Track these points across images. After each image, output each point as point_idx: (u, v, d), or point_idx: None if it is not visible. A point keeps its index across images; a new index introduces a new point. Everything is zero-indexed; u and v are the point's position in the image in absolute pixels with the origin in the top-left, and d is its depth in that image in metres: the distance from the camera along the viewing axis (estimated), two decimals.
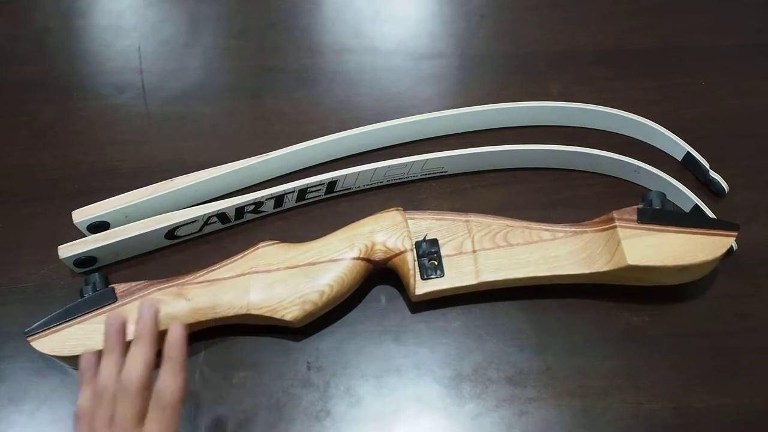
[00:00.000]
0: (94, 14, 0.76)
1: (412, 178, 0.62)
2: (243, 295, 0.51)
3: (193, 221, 0.57)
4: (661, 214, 0.52)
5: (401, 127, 0.62)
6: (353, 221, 0.54)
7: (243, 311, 0.50)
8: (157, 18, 0.75)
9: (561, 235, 0.53)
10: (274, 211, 0.60)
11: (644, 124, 0.62)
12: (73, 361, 0.50)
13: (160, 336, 0.50)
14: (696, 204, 0.57)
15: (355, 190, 0.61)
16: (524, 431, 0.50)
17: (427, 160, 0.59)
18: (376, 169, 0.59)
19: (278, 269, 0.51)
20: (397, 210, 0.54)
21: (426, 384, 0.52)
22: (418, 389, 0.52)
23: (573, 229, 0.54)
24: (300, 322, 0.51)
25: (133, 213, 0.57)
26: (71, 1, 0.77)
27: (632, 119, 0.62)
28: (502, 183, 0.62)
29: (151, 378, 0.41)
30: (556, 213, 0.59)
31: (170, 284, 0.51)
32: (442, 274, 0.52)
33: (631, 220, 0.51)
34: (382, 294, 0.56)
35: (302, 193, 0.59)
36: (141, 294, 0.51)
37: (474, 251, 0.53)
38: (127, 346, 0.43)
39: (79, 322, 0.50)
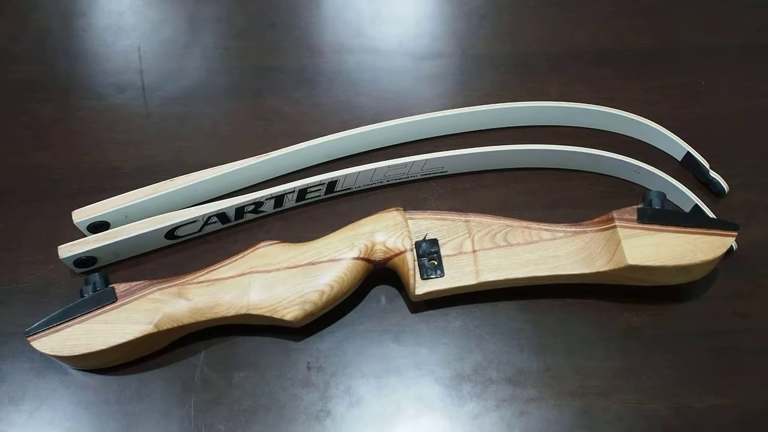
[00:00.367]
0: (94, 14, 0.76)
1: (412, 178, 0.62)
2: (243, 295, 0.51)
3: (193, 221, 0.57)
4: (661, 214, 0.52)
5: (401, 127, 0.62)
6: (353, 221, 0.54)
7: (243, 311, 0.50)
8: (157, 18, 0.75)
9: (561, 235, 0.53)
10: (274, 211, 0.60)
11: (644, 124, 0.62)
12: (73, 361, 0.50)
13: (160, 336, 0.50)
14: (696, 204, 0.57)
15: (355, 190, 0.61)
16: (524, 431, 0.50)
17: (427, 160, 0.59)
18: (376, 169, 0.59)
19: (278, 269, 0.51)
20: (397, 210, 0.54)
21: (426, 384, 0.52)
22: (418, 389, 0.52)
23: (573, 229, 0.54)
24: (300, 322, 0.51)
25: (133, 213, 0.57)
26: (71, 1, 0.77)
27: (632, 119, 0.62)
28: (502, 183, 0.62)
29: None
30: (556, 213, 0.59)
31: (170, 284, 0.51)
32: (442, 274, 0.52)
33: (631, 220, 0.51)
34: (382, 294, 0.56)
35: (302, 193, 0.59)
36: (141, 294, 0.51)
37: (474, 251, 0.53)
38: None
39: (79, 322, 0.50)
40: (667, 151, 0.63)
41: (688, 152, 0.61)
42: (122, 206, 0.56)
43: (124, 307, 0.50)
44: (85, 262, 0.55)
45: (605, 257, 0.51)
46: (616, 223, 0.51)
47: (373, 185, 0.61)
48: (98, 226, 0.57)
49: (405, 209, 0.54)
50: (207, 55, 0.72)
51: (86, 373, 0.53)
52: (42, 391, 0.52)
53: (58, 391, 0.52)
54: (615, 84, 0.68)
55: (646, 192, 0.54)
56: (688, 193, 0.57)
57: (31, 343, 0.49)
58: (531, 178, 0.62)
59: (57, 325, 0.50)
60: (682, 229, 0.51)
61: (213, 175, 0.58)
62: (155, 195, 0.57)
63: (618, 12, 0.74)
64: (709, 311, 0.55)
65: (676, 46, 0.71)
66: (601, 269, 0.51)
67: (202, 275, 0.52)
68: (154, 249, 0.58)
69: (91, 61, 0.72)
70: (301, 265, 0.51)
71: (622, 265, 0.50)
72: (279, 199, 0.58)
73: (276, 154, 0.60)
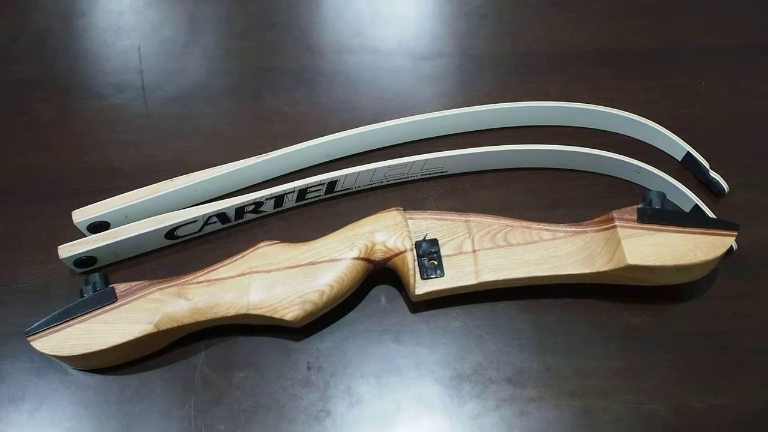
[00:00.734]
0: (94, 14, 0.76)
1: (412, 178, 0.62)
2: (243, 295, 0.51)
3: (193, 221, 0.57)
4: (661, 214, 0.52)
5: (401, 127, 0.62)
6: (353, 221, 0.54)
7: (243, 311, 0.50)
8: (157, 18, 0.75)
9: (561, 235, 0.53)
10: (274, 211, 0.60)
11: (644, 124, 0.62)
12: (73, 361, 0.50)
13: (160, 336, 0.50)
14: (696, 204, 0.57)
15: (355, 190, 0.61)
16: (524, 431, 0.50)
17: (427, 160, 0.59)
18: (376, 169, 0.59)
19: (278, 269, 0.51)
20: (397, 210, 0.54)
21: (426, 384, 0.52)
22: (418, 389, 0.52)
23: (573, 229, 0.54)
24: (300, 322, 0.51)
25: (133, 213, 0.57)
26: (71, 1, 0.77)
27: (632, 119, 0.62)
28: (502, 183, 0.62)
29: None
30: (556, 213, 0.59)
31: (170, 284, 0.51)
32: (442, 274, 0.52)
33: (631, 220, 0.51)
34: (382, 294, 0.56)
35: (302, 193, 0.59)
36: (141, 294, 0.51)
37: (474, 251, 0.53)
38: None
39: (79, 322, 0.50)
40: (667, 151, 0.63)
41: (688, 152, 0.61)
42: (122, 206, 0.56)
43: (124, 307, 0.50)
44: (85, 262, 0.55)
45: (605, 257, 0.51)
46: (616, 223, 0.51)
47: (373, 185, 0.61)
48: (98, 226, 0.57)
49: (405, 209, 0.54)
50: (207, 55, 0.72)
51: (86, 373, 0.53)
52: (42, 391, 0.52)
53: (58, 391, 0.52)
54: (615, 84, 0.68)
55: (646, 192, 0.54)
56: (688, 193, 0.57)
57: (31, 343, 0.49)
58: (531, 178, 0.62)
59: (57, 325, 0.50)
60: (682, 229, 0.51)
61: (213, 175, 0.58)
62: (155, 195, 0.57)
63: (618, 12, 0.75)
64: (709, 311, 0.55)
65: (676, 46, 0.71)
66: (601, 269, 0.51)
67: (202, 275, 0.52)
68: (154, 249, 0.58)
69: (91, 61, 0.72)
70: (301, 265, 0.51)
71: (622, 265, 0.50)
72: (279, 199, 0.58)
73: (276, 154, 0.60)
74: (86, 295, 0.51)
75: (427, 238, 0.53)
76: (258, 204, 0.58)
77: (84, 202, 0.57)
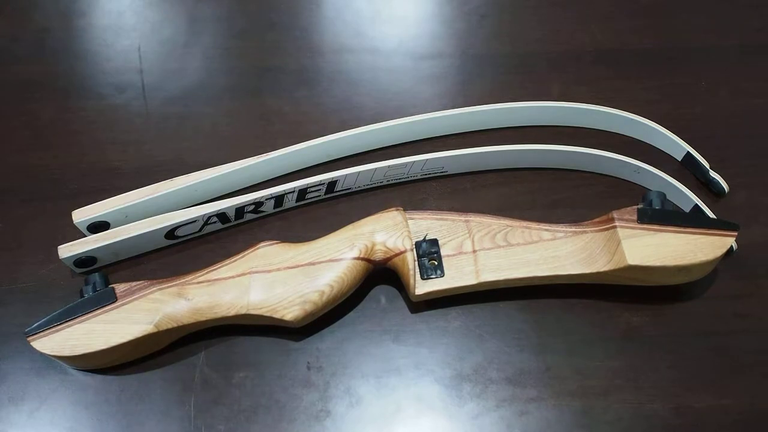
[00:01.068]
0: (94, 14, 0.76)
1: (412, 178, 0.62)
2: (243, 295, 0.51)
3: (193, 221, 0.57)
4: (661, 214, 0.52)
5: (401, 127, 0.62)
6: (353, 221, 0.54)
7: (243, 311, 0.50)
8: (157, 18, 0.75)
9: (561, 235, 0.53)
10: (274, 211, 0.60)
11: (644, 124, 0.62)
12: (73, 361, 0.50)
13: (160, 336, 0.50)
14: (696, 204, 0.57)
15: (355, 190, 0.61)
16: (524, 431, 0.50)
17: (427, 160, 0.59)
18: (376, 169, 0.59)
19: (278, 269, 0.51)
20: (397, 210, 0.54)
21: (426, 384, 0.52)
22: (418, 389, 0.52)
23: (573, 229, 0.54)
24: (300, 322, 0.51)
25: (133, 213, 0.57)
26: (71, 1, 0.77)
27: (632, 119, 0.62)
28: (502, 183, 0.62)
29: None
30: (556, 213, 0.59)
31: (170, 284, 0.51)
32: (442, 274, 0.52)
33: (631, 220, 0.51)
34: (382, 294, 0.56)
35: (302, 193, 0.59)
36: (141, 294, 0.51)
37: (474, 251, 0.53)
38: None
39: (79, 322, 0.50)
40: (667, 151, 0.63)
41: (688, 152, 0.61)
42: (122, 206, 0.56)
43: (124, 307, 0.50)
44: (85, 262, 0.55)
45: (605, 257, 0.51)
46: (616, 223, 0.51)
47: (373, 185, 0.61)
48: (98, 226, 0.57)
49: (405, 209, 0.54)
50: (207, 55, 0.72)
51: (86, 373, 0.53)
52: (42, 391, 0.52)
53: (58, 391, 0.52)
54: (615, 84, 0.68)
55: (646, 192, 0.54)
56: (688, 193, 0.57)
57: (31, 343, 0.49)
58: (531, 178, 0.62)
59: (57, 325, 0.50)
60: (682, 229, 0.51)
61: (213, 175, 0.58)
62: (155, 195, 0.57)
63: (618, 12, 0.74)
64: (709, 311, 0.55)
65: (676, 46, 0.71)
66: (601, 269, 0.51)
67: (202, 275, 0.52)
68: (154, 249, 0.58)
69: (91, 61, 0.72)
70: (301, 265, 0.51)
71: (622, 265, 0.50)
72: (279, 199, 0.58)
73: (276, 154, 0.60)
74: (86, 295, 0.51)
75: (427, 238, 0.53)
76: (258, 204, 0.58)
77: (84, 202, 0.57)
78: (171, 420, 0.51)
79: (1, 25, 0.74)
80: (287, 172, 0.62)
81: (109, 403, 0.51)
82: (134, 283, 0.52)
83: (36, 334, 0.49)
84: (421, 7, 0.77)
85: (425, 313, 0.55)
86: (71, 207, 0.56)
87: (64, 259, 0.54)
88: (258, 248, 0.53)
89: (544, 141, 0.61)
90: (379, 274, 0.55)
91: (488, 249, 0.53)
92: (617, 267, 0.50)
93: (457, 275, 0.52)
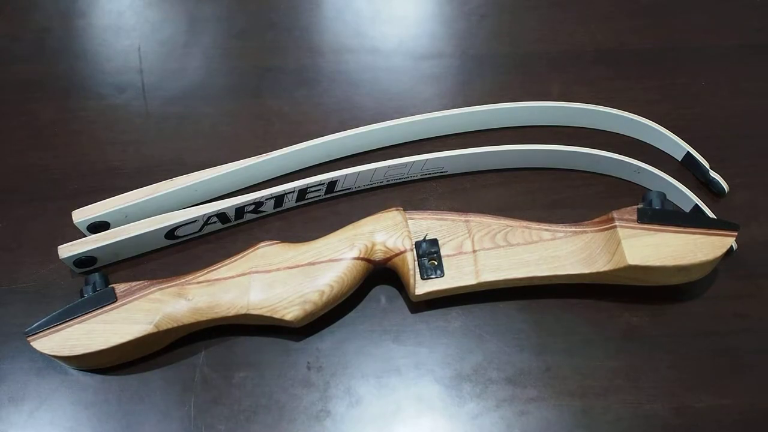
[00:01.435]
0: (94, 14, 0.76)
1: (412, 178, 0.62)
2: (243, 295, 0.51)
3: (193, 221, 0.57)
4: (661, 214, 0.52)
5: (401, 127, 0.62)
6: (353, 221, 0.54)
7: (243, 311, 0.50)
8: (157, 18, 0.75)
9: (561, 235, 0.53)
10: (274, 211, 0.60)
11: (644, 124, 0.62)
12: (73, 361, 0.50)
13: (160, 336, 0.50)
14: (696, 204, 0.57)
15: (355, 190, 0.61)
16: (524, 431, 0.50)
17: (427, 160, 0.59)
18: (376, 169, 0.59)
19: (278, 269, 0.51)
20: (397, 210, 0.54)
21: (426, 384, 0.52)
22: (418, 389, 0.52)
23: (573, 229, 0.54)
24: (300, 322, 0.51)
25: (133, 213, 0.57)
26: (71, 1, 0.77)
27: (632, 119, 0.62)
28: (502, 183, 0.62)
29: None
30: (556, 213, 0.59)
31: (170, 284, 0.51)
32: (442, 274, 0.52)
33: (631, 220, 0.51)
34: (382, 294, 0.56)
35: (302, 193, 0.59)
36: (141, 294, 0.51)
37: (474, 251, 0.53)
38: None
39: (79, 322, 0.50)
40: (667, 151, 0.63)
41: (688, 152, 0.61)
42: (122, 206, 0.56)
43: (124, 307, 0.50)
44: (85, 262, 0.55)
45: (605, 257, 0.51)
46: (616, 223, 0.51)
47: (373, 185, 0.61)
48: (98, 226, 0.57)
49: (405, 209, 0.54)
50: (207, 55, 0.72)
51: (86, 373, 0.52)
52: (42, 391, 0.52)
53: (58, 391, 0.52)
54: (615, 84, 0.68)
55: (646, 192, 0.54)
56: (688, 193, 0.57)
57: (31, 343, 0.49)
58: (531, 178, 0.62)
59: (57, 325, 0.50)
60: (682, 229, 0.51)
61: (213, 175, 0.58)
62: (155, 195, 0.57)
63: (618, 12, 0.75)
64: (709, 311, 0.54)
65: (676, 46, 0.71)
66: (601, 269, 0.51)
67: (202, 275, 0.52)
68: (154, 249, 0.58)
69: (91, 61, 0.72)
70: (301, 265, 0.51)
71: (622, 265, 0.50)
72: (279, 199, 0.58)
73: (276, 154, 0.60)
74: (86, 295, 0.51)
75: (427, 238, 0.53)
76: (258, 204, 0.58)
77: (84, 202, 0.57)
78: (171, 420, 0.51)
79: (1, 25, 0.74)
80: (287, 172, 0.62)
81: (109, 403, 0.51)
82: (134, 283, 0.52)
83: (36, 334, 0.49)
84: (421, 7, 0.77)
85: (425, 313, 0.55)
86: (71, 207, 0.56)
87: (64, 259, 0.54)
88: (258, 248, 0.53)
89: (544, 141, 0.61)
90: (379, 274, 0.55)
91: (488, 249, 0.53)
92: (617, 267, 0.50)
93: (457, 275, 0.52)
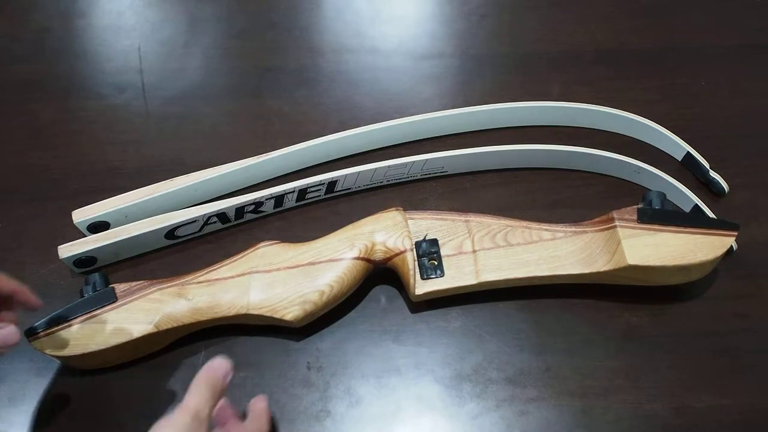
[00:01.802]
0: (94, 14, 0.76)
1: (412, 178, 0.62)
2: (243, 295, 0.51)
3: (193, 221, 0.57)
4: (661, 214, 0.52)
5: (401, 127, 0.62)
6: (353, 221, 0.54)
7: (243, 311, 0.50)
8: (157, 18, 0.75)
9: (561, 235, 0.53)
10: (274, 211, 0.60)
11: (644, 124, 0.62)
12: (73, 361, 0.50)
13: (160, 336, 0.50)
14: (696, 204, 0.57)
15: (355, 190, 0.61)
16: (524, 431, 0.50)
17: (427, 160, 0.59)
18: (376, 169, 0.59)
19: (278, 269, 0.51)
20: (397, 210, 0.54)
21: (426, 384, 0.52)
22: (418, 389, 0.52)
23: (573, 229, 0.54)
24: (300, 322, 0.51)
25: (133, 213, 0.57)
26: (71, 1, 0.77)
27: (632, 119, 0.62)
28: (502, 183, 0.62)
29: None
30: (556, 213, 0.59)
31: (170, 284, 0.51)
32: (442, 274, 0.52)
33: (631, 220, 0.51)
34: (382, 294, 0.56)
35: (302, 193, 0.59)
36: (141, 294, 0.51)
37: (474, 251, 0.53)
38: None
39: (79, 322, 0.50)
40: (667, 151, 0.63)
41: (688, 152, 0.61)
42: (122, 206, 0.56)
43: (124, 307, 0.50)
44: (85, 262, 0.55)
45: (605, 257, 0.51)
46: (616, 223, 0.51)
47: (373, 185, 0.61)
48: (98, 226, 0.57)
49: (405, 209, 0.54)
50: (207, 55, 0.72)
51: (86, 373, 0.52)
52: (42, 391, 0.52)
53: (58, 391, 0.52)
54: (615, 84, 0.68)
55: (646, 192, 0.54)
56: (688, 193, 0.57)
57: (31, 343, 0.49)
58: (531, 178, 0.62)
59: (57, 325, 0.50)
60: (682, 229, 0.51)
61: (213, 175, 0.58)
62: (155, 195, 0.57)
63: (618, 12, 0.75)
64: (709, 311, 0.54)
65: (676, 46, 0.71)
66: (601, 269, 0.51)
67: (202, 275, 0.52)
68: (154, 249, 0.58)
69: (91, 61, 0.72)
70: (301, 265, 0.51)
71: (622, 265, 0.50)
72: (279, 199, 0.58)
73: (276, 154, 0.60)
74: (86, 295, 0.51)
75: (427, 238, 0.53)
76: (258, 204, 0.58)
77: (84, 202, 0.57)
78: None
79: (1, 25, 0.74)
80: (287, 172, 0.62)
81: (109, 403, 0.51)
82: (134, 283, 0.52)
83: (36, 334, 0.49)
84: (421, 7, 0.77)
85: (425, 313, 0.55)
86: (71, 207, 0.56)
87: (64, 259, 0.54)
88: (258, 248, 0.53)
89: (544, 141, 0.61)
90: (379, 274, 0.55)
91: (488, 249, 0.53)
92: (617, 267, 0.50)
93: (457, 275, 0.52)
